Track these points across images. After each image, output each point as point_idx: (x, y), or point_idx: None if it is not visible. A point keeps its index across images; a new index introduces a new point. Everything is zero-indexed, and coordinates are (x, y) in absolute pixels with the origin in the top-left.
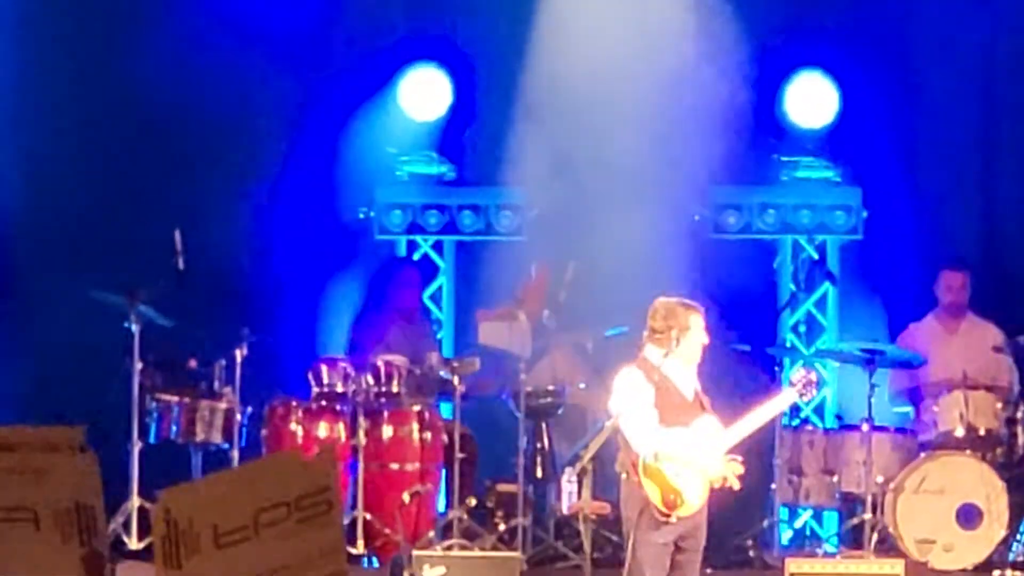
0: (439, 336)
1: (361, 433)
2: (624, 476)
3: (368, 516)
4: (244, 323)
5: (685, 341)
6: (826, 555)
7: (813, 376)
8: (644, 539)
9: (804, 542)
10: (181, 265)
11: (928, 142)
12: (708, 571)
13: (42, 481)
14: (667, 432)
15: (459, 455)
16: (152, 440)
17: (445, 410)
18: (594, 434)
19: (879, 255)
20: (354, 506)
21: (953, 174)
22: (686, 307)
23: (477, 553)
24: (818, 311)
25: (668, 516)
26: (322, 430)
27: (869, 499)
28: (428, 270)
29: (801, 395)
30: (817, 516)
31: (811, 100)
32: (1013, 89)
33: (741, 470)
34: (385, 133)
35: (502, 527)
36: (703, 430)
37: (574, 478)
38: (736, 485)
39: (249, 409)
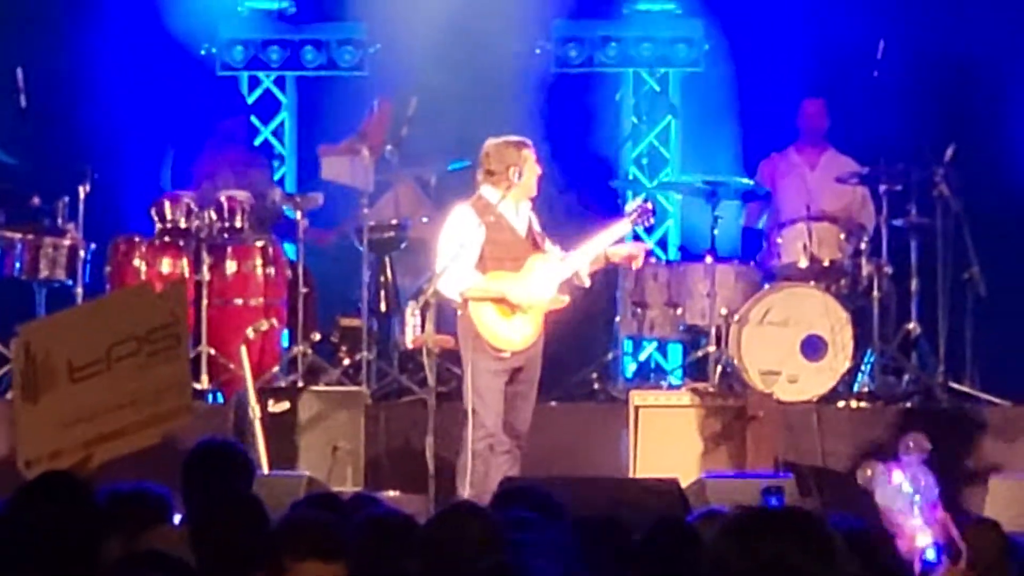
0: (282, 171)
1: (204, 269)
2: (459, 312)
3: (212, 351)
4: (87, 160)
5: (521, 178)
6: (670, 387)
7: (649, 205)
8: (480, 367)
9: (649, 375)
10: (23, 102)
11: None
12: (552, 404)
13: None
14: (487, 278)
15: (303, 290)
16: None
17: (288, 250)
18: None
19: (720, 87)
20: (198, 342)
21: (796, 5)
22: (517, 145)
23: (322, 388)
24: (660, 144)
25: (501, 352)
26: (165, 266)
27: (713, 331)
28: (270, 106)
29: (636, 224)
30: (661, 348)
31: None
32: None
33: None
34: None
35: (347, 362)
36: (534, 268)
37: (417, 312)
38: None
39: (93, 246)
